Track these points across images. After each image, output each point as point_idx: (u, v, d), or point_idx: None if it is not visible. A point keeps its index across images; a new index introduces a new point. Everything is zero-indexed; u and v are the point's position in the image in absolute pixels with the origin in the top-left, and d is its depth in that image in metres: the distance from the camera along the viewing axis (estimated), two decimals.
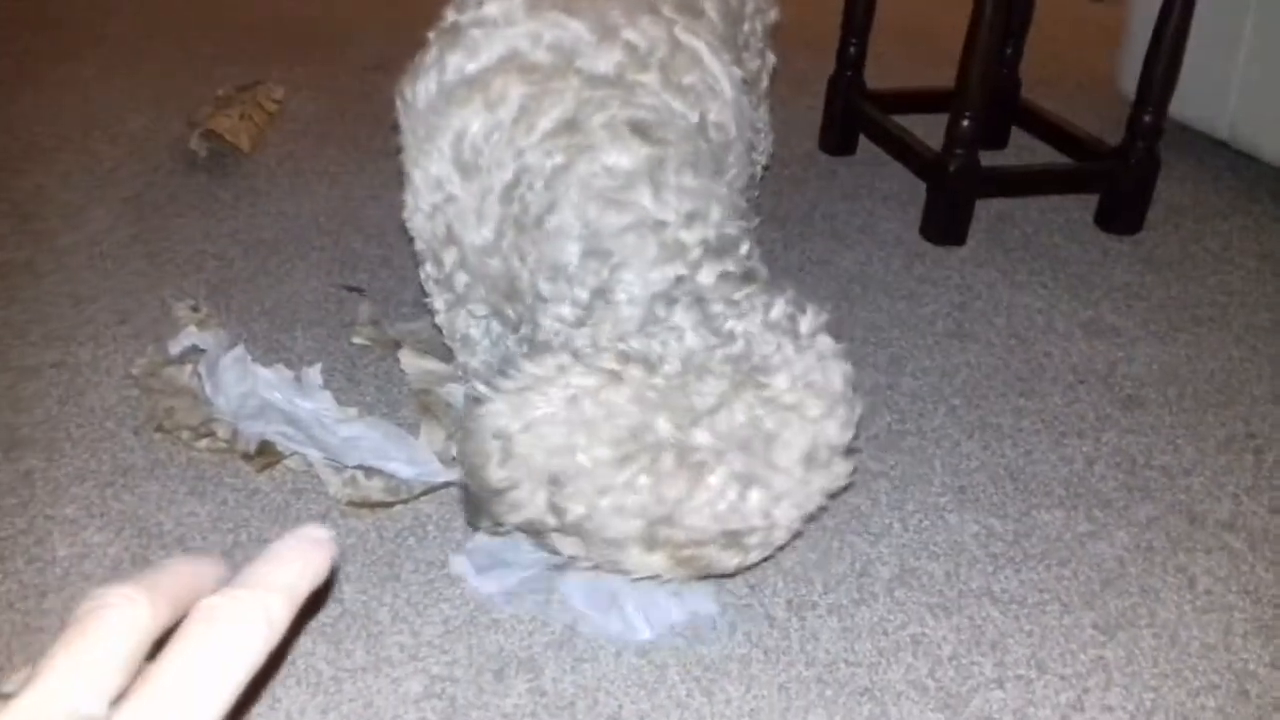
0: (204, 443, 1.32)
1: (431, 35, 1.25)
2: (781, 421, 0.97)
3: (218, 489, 1.28)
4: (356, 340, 1.53)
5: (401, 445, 1.30)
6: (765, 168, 1.65)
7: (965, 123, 1.83)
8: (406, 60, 1.25)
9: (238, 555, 1.18)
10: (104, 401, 1.41)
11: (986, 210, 1.99)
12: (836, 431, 1.00)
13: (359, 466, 1.28)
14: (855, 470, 1.08)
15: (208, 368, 1.38)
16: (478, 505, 1.07)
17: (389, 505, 1.25)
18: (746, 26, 1.50)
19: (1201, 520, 1.32)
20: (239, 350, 1.39)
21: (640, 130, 1.09)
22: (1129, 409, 1.52)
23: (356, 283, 1.69)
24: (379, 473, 1.28)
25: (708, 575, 1.02)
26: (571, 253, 1.07)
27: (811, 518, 1.02)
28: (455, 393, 1.39)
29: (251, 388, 1.36)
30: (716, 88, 1.21)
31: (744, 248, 1.11)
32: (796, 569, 1.21)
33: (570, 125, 1.09)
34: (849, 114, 2.19)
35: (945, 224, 1.90)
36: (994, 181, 1.95)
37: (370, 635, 1.10)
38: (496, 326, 1.28)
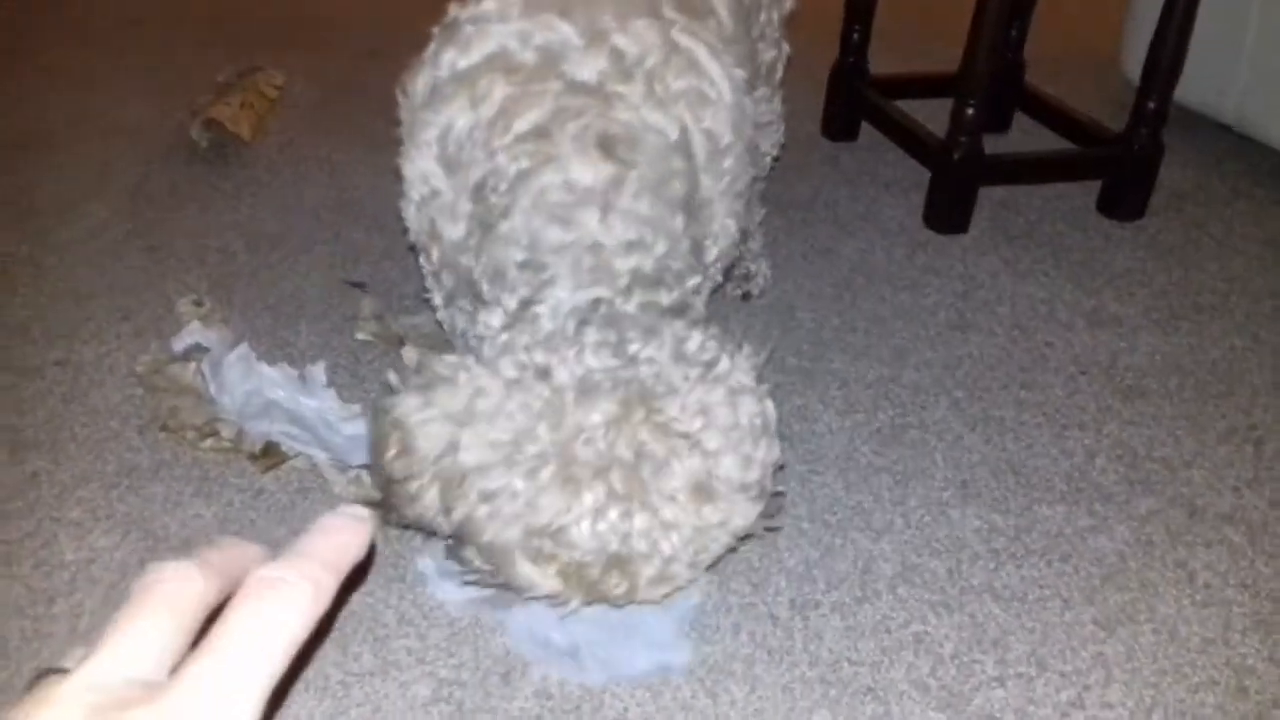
0: (208, 442, 1.32)
1: (435, 30, 1.26)
2: (671, 449, 0.96)
3: (223, 490, 1.28)
4: (360, 336, 1.53)
5: None
6: (776, 158, 1.64)
7: (969, 110, 1.82)
8: (401, 46, 1.26)
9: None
10: (108, 401, 1.41)
11: (989, 197, 1.99)
12: (734, 467, 0.98)
13: (363, 466, 1.28)
14: (775, 513, 1.08)
15: (212, 366, 1.38)
16: (385, 497, 1.08)
17: (378, 508, 1.26)
18: (763, 17, 1.50)
19: (1201, 514, 1.32)
20: (243, 348, 1.40)
21: (607, 146, 1.10)
22: (1130, 400, 1.52)
23: (359, 277, 1.69)
24: None
25: (603, 600, 1.00)
26: (513, 261, 1.09)
27: (711, 558, 1.01)
28: None
29: (256, 386, 1.36)
30: (712, 93, 1.21)
31: (689, 282, 1.14)
32: (800, 568, 1.22)
33: (541, 132, 1.11)
34: (852, 100, 2.19)
35: (948, 212, 1.90)
36: (998, 169, 1.95)
37: (377, 639, 1.11)
38: None
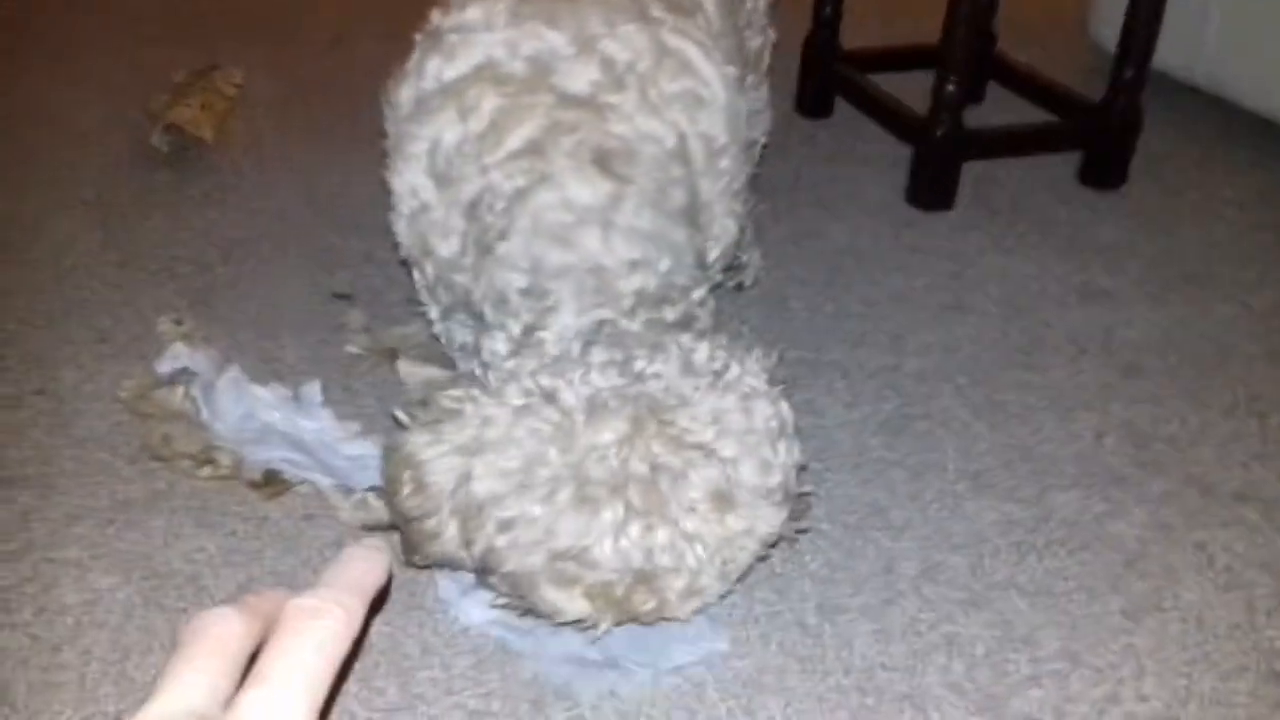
0: (206, 470, 1.28)
1: (418, 38, 1.22)
2: (687, 460, 0.95)
3: (225, 519, 1.24)
4: (351, 349, 1.49)
5: None
6: (764, 146, 1.62)
7: (950, 86, 1.81)
8: (363, 34, 1.23)
9: (256, 589, 1.15)
10: (94, 430, 1.36)
11: (969, 170, 1.97)
12: (753, 473, 0.97)
13: (370, 488, 1.25)
14: (802, 516, 1.07)
15: (202, 390, 1.33)
16: (405, 536, 1.06)
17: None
18: (749, 4, 1.48)
19: (1214, 492, 1.33)
20: (234, 371, 1.35)
21: (603, 162, 1.08)
22: (1131, 377, 1.52)
23: (341, 284, 1.64)
24: None
25: (634, 619, 0.99)
26: (514, 286, 1.07)
27: (740, 568, 1.00)
28: None
29: (250, 410, 1.32)
30: (706, 94, 1.18)
31: (695, 294, 1.13)
32: (823, 571, 1.20)
33: (535, 148, 1.09)
34: (826, 75, 2.16)
35: (932, 189, 1.88)
36: (981, 143, 1.94)
37: (401, 671, 1.08)
38: None
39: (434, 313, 1.29)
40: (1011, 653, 1.12)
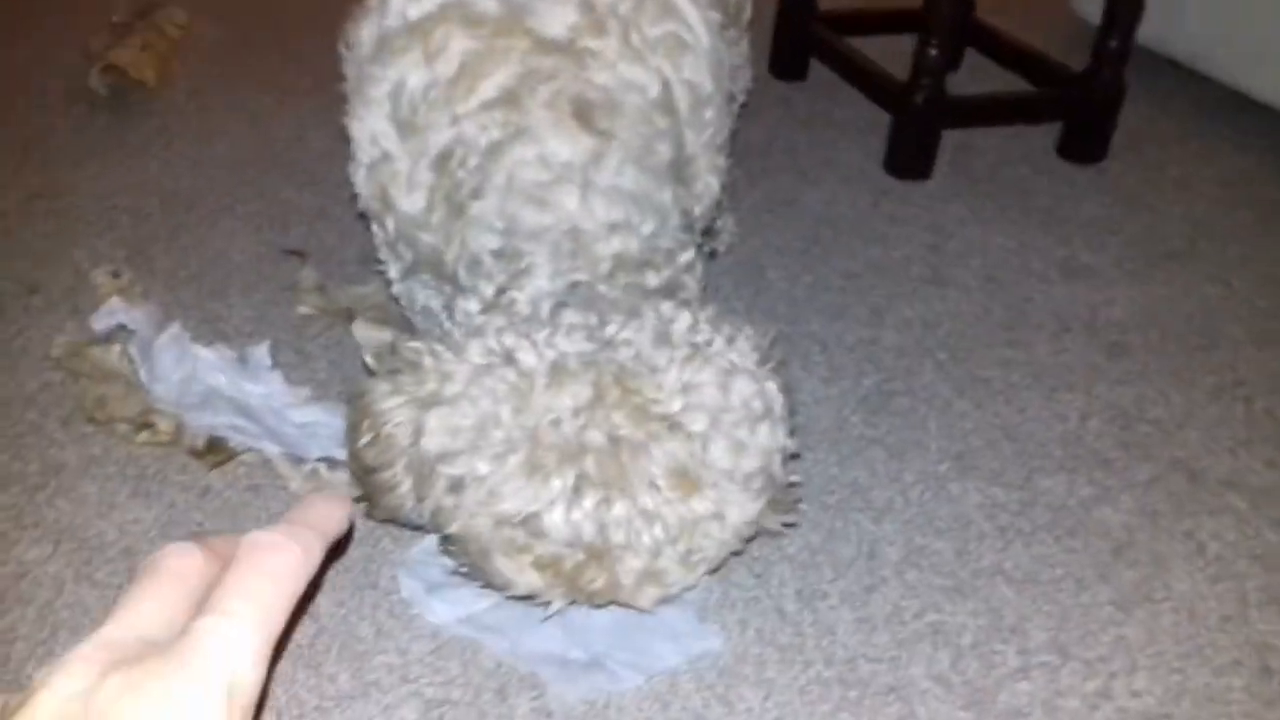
0: (143, 435, 1.19)
1: None
2: (650, 433, 0.88)
3: (164, 489, 1.16)
4: (302, 310, 1.40)
5: None
6: (743, 104, 1.55)
7: (933, 51, 1.74)
8: None
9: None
10: (23, 389, 1.27)
11: (947, 139, 1.91)
12: (724, 454, 0.89)
13: (321, 458, 1.17)
14: (790, 509, 1.00)
15: (141, 349, 1.24)
16: (362, 487, 1.00)
17: (358, 501, 1.15)
18: None
19: (1202, 478, 1.28)
20: (175, 328, 1.26)
21: (584, 114, 1.01)
22: (1115, 357, 1.47)
23: (293, 241, 1.55)
24: (343, 464, 1.17)
25: (589, 599, 0.92)
26: (488, 246, 1.01)
27: (709, 558, 0.92)
28: None
29: (192, 371, 1.23)
30: (690, 38, 1.11)
31: (681, 258, 1.06)
32: (803, 554, 1.14)
33: (510, 97, 1.02)
34: (801, 37, 2.08)
35: (911, 158, 1.82)
36: (961, 111, 1.87)
37: (354, 655, 1.01)
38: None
39: (394, 271, 1.21)
40: (999, 643, 1.07)
